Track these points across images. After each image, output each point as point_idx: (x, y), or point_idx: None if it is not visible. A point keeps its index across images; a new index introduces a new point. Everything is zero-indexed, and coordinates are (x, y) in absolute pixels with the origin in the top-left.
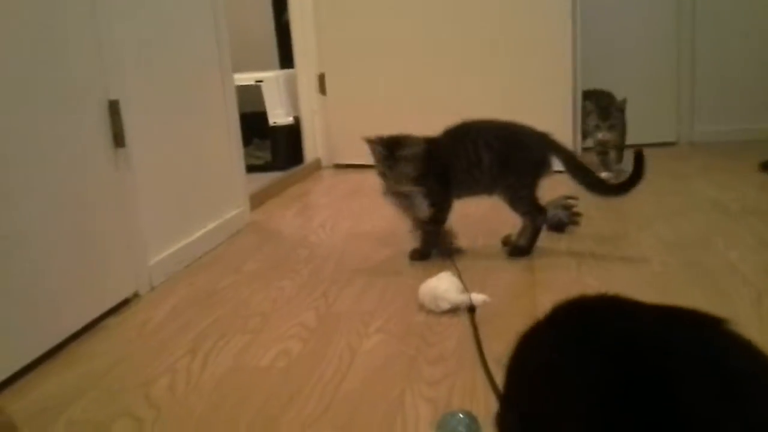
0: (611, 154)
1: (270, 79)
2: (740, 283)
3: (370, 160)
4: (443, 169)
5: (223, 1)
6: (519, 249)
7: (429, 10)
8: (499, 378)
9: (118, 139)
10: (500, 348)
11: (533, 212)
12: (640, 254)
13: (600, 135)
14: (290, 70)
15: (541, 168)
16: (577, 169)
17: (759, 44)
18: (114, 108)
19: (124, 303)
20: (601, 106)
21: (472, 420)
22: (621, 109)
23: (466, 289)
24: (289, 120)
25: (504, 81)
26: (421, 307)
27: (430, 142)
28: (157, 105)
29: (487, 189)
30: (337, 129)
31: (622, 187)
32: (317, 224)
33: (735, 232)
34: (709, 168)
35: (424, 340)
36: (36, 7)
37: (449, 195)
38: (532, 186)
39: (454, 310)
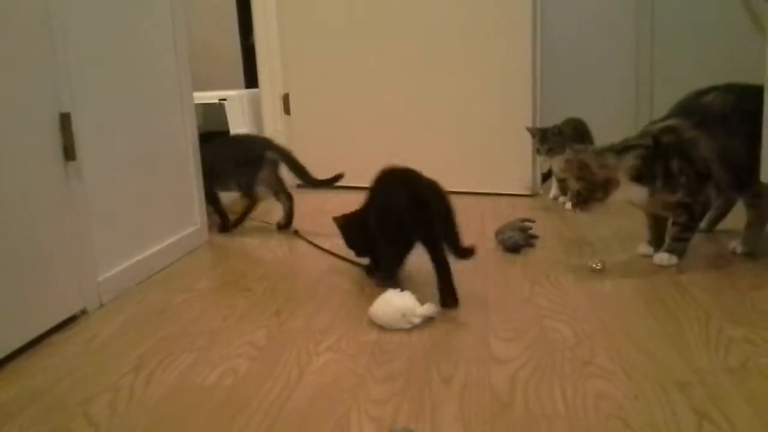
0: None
1: (233, 98)
2: (689, 305)
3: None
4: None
5: (182, 16)
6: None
7: (393, 34)
8: (443, 399)
9: (69, 152)
10: (449, 368)
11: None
12: (593, 275)
13: (540, 159)
14: (255, 90)
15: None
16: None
17: (713, 69)
18: (65, 121)
19: (72, 319)
20: (542, 130)
21: None
22: (562, 132)
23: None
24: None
25: (465, 104)
26: (381, 327)
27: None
28: (112, 119)
29: None
30: (300, 149)
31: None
32: (275, 243)
33: (687, 257)
34: None
35: (374, 359)
36: None
37: None
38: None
39: (421, 324)
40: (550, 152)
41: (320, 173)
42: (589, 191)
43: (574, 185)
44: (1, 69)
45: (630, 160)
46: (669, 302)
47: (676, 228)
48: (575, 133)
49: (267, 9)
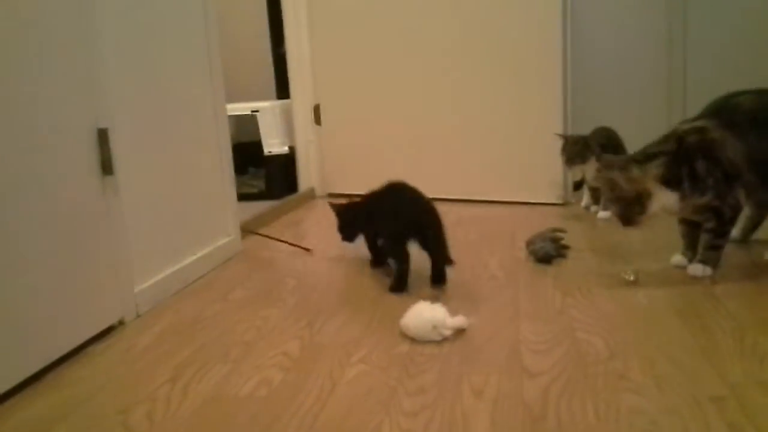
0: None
1: (265, 109)
2: (723, 318)
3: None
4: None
5: (217, 32)
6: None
7: (423, 45)
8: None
9: (106, 166)
10: (480, 380)
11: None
12: (625, 286)
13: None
14: (286, 101)
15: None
16: None
17: (748, 72)
18: (103, 136)
19: (109, 329)
20: (564, 137)
21: None
22: (581, 141)
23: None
24: (284, 150)
25: (495, 112)
26: (412, 339)
27: None
28: (148, 133)
29: None
30: (331, 159)
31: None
32: (307, 254)
33: (723, 265)
34: None
35: (406, 371)
36: (27, 35)
37: None
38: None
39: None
40: (569, 162)
41: (350, 183)
42: (627, 208)
43: (611, 204)
44: (43, 86)
45: (653, 169)
46: (703, 314)
47: (707, 236)
48: (607, 142)
49: (298, 20)
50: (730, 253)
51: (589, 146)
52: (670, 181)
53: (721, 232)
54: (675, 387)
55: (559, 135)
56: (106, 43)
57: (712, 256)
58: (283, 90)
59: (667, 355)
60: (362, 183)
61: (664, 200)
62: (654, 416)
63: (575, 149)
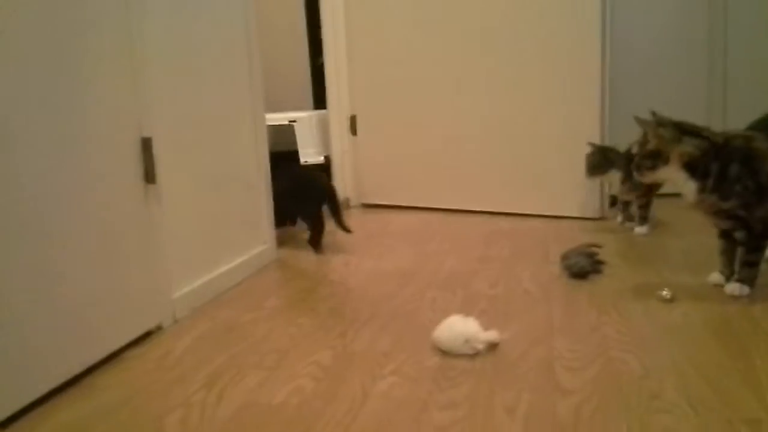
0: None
1: (303, 119)
2: (761, 339)
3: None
4: None
5: (257, 43)
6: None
7: (458, 57)
8: None
9: (149, 175)
10: (512, 396)
11: None
12: (661, 305)
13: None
14: (323, 111)
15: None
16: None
17: None
18: (147, 145)
19: (147, 335)
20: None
21: None
22: (599, 152)
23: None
24: (320, 159)
25: (530, 124)
26: (444, 352)
27: None
28: (189, 142)
29: None
30: (366, 169)
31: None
32: (341, 263)
33: (762, 285)
34: None
35: (437, 385)
36: (73, 44)
37: None
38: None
39: (485, 350)
40: (588, 172)
41: (385, 193)
42: (642, 157)
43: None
44: (90, 96)
45: (687, 146)
46: (740, 335)
47: (741, 251)
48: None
49: (336, 31)
50: None
51: (609, 158)
52: (695, 169)
53: (753, 247)
54: (710, 408)
55: (590, 144)
56: (150, 52)
57: (748, 274)
58: (320, 100)
59: (703, 375)
60: (397, 193)
61: (681, 184)
62: None
63: (595, 159)
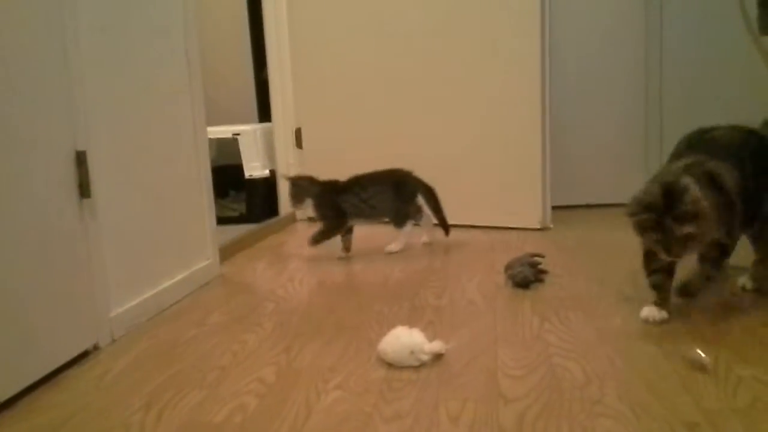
0: None
1: (247, 133)
2: (699, 345)
3: None
4: None
5: (198, 55)
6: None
7: (405, 68)
8: None
9: (84, 189)
10: (457, 406)
11: None
12: (602, 312)
13: None
14: (268, 124)
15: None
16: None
17: (726, 105)
18: (81, 159)
19: (84, 355)
20: None
21: None
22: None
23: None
24: (265, 173)
25: (473, 137)
26: (389, 364)
27: None
28: (126, 156)
29: None
30: None
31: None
32: (286, 278)
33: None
34: None
35: (382, 397)
36: (6, 55)
37: None
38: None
39: (430, 361)
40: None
41: None
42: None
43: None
44: (21, 109)
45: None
46: (678, 341)
47: (704, 266)
48: None
49: (280, 43)
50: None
51: (304, 188)
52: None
53: (719, 264)
54: (651, 413)
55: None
56: (84, 64)
57: (699, 285)
58: (264, 114)
59: (643, 380)
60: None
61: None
62: None
63: (293, 190)
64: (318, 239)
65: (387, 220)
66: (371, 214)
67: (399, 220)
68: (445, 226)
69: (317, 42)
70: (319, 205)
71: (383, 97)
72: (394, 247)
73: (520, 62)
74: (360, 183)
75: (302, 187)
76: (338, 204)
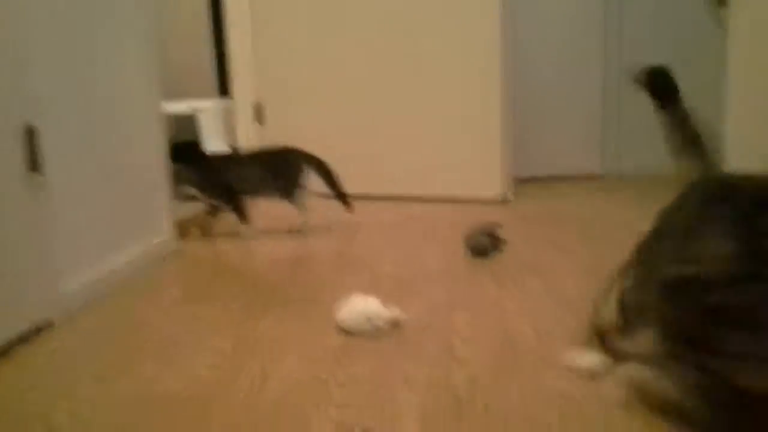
0: None
1: (207, 109)
2: None
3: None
4: None
5: (153, 28)
6: None
7: (367, 43)
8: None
9: (34, 164)
10: (412, 369)
11: None
12: (558, 279)
13: None
14: (228, 99)
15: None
16: None
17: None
18: (30, 133)
19: (36, 330)
20: None
21: None
22: None
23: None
24: (226, 150)
25: (434, 110)
26: (347, 333)
27: None
28: (79, 130)
29: None
30: None
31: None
32: (243, 251)
33: None
34: (633, 198)
35: (338, 363)
36: None
37: None
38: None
39: (388, 328)
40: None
41: None
42: None
43: None
44: None
45: None
46: None
47: None
48: None
49: (241, 18)
50: None
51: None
52: None
53: None
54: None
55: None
56: (34, 38)
57: None
58: (225, 89)
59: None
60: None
61: None
62: (580, 401)
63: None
64: (240, 217)
65: (276, 196)
66: (255, 190)
67: (286, 194)
68: (344, 200)
69: (280, 14)
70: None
71: (345, 72)
72: (301, 220)
73: (481, 33)
74: (239, 160)
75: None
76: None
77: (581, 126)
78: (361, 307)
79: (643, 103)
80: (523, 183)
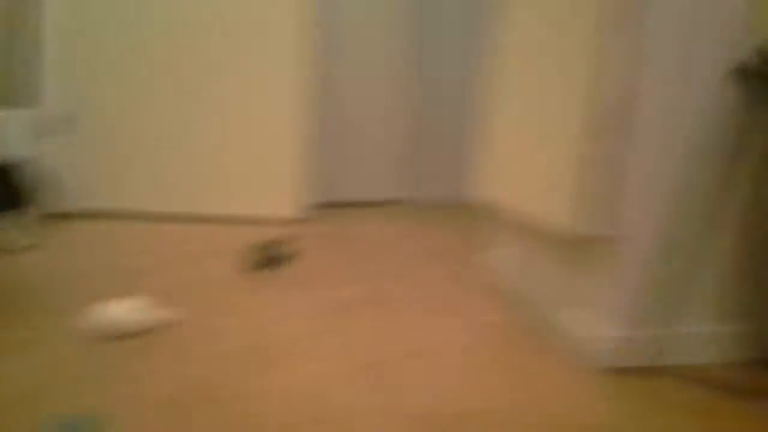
0: None
1: (10, 117)
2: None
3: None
4: None
5: None
6: None
7: (176, 51)
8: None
9: None
10: (180, 369)
11: None
12: (327, 287)
13: None
14: (28, 109)
15: None
16: None
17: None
18: None
19: None
20: None
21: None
22: None
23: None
24: (26, 160)
25: (239, 127)
26: (99, 337)
27: None
28: None
29: None
30: (85, 170)
31: None
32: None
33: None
34: (417, 222)
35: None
36: None
37: None
38: None
39: (144, 331)
40: None
41: (101, 195)
42: None
43: None
44: None
45: None
46: (394, 303)
47: None
48: None
49: (54, 27)
50: None
51: None
52: None
53: None
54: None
55: None
56: None
57: None
58: (27, 98)
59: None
60: (105, 197)
61: None
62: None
63: None
64: None
65: None
66: None
67: None
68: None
69: (86, 24)
70: None
71: (157, 80)
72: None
73: (287, 54)
74: None
75: None
76: None
77: (387, 156)
78: (110, 311)
79: (442, 136)
80: (328, 207)
